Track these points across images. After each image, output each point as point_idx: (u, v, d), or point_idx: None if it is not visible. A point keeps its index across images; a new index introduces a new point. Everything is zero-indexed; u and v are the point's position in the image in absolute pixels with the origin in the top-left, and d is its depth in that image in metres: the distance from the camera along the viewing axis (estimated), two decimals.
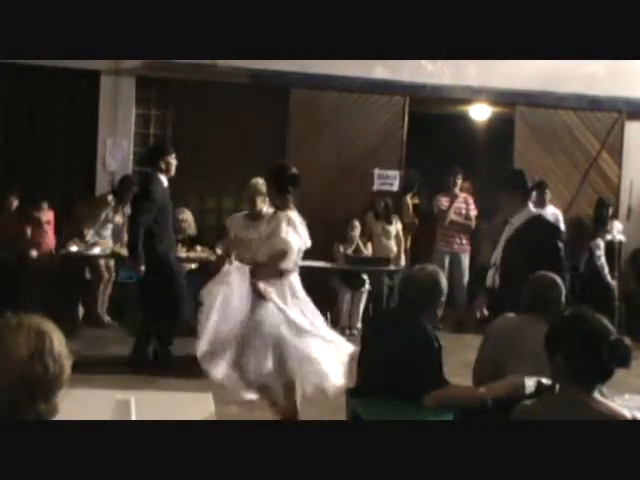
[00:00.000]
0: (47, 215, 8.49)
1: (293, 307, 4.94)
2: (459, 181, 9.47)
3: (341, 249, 8.93)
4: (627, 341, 2.53)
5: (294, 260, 5.01)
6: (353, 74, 9.18)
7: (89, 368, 5.92)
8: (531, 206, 5.26)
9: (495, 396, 3.38)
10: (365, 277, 8.90)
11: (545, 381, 2.92)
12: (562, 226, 9.21)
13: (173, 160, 6.62)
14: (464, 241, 9.43)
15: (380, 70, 9.35)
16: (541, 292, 3.87)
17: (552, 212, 9.17)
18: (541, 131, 9.77)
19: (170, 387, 5.75)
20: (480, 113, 10.60)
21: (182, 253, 8.06)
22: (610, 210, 9.44)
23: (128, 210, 8.39)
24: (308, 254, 8.17)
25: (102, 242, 8.40)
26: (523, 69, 9.11)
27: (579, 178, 9.83)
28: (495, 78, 9.44)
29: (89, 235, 8.36)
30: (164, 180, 6.58)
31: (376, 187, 9.51)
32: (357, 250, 9.06)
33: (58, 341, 2.00)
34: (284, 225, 4.88)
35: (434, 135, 10.60)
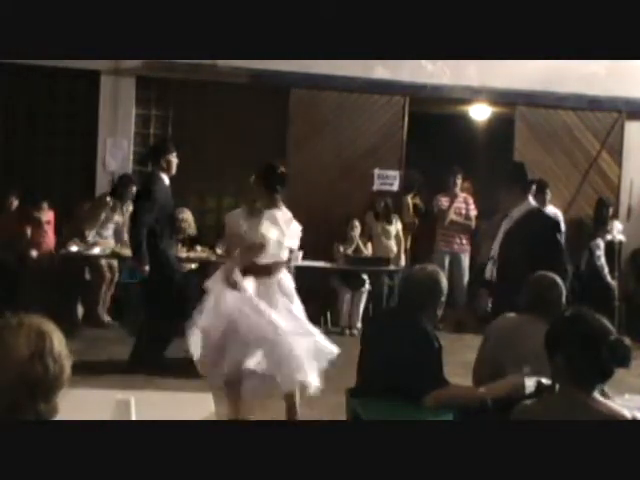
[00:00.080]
0: (47, 215, 8.50)
1: (280, 305, 4.93)
2: (459, 181, 9.47)
3: (341, 249, 8.93)
4: (627, 341, 2.53)
5: (275, 255, 4.99)
6: (353, 74, 9.19)
7: (89, 368, 5.93)
8: (531, 199, 5.26)
9: (495, 396, 3.38)
10: (365, 277, 8.90)
11: (545, 381, 2.92)
12: (562, 226, 9.24)
13: (174, 159, 6.61)
14: (464, 241, 9.43)
15: (380, 70, 9.35)
16: (541, 292, 3.87)
17: (552, 212, 9.17)
18: (541, 131, 9.77)
19: (170, 387, 5.74)
20: (480, 113, 10.60)
21: (182, 253, 8.06)
22: (610, 210, 9.43)
23: (127, 209, 8.42)
24: (308, 254, 8.28)
25: (103, 242, 8.40)
26: (523, 69, 9.12)
27: (579, 178, 9.83)
28: (495, 78, 9.44)
29: (90, 236, 8.35)
30: (166, 179, 6.58)
31: (376, 187, 9.51)
32: (357, 250, 9.06)
33: (58, 341, 2.00)
34: (265, 221, 4.92)
35: (434, 135, 10.60)
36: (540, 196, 9.03)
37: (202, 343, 4.95)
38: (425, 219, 10.01)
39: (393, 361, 3.58)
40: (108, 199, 8.50)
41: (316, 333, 5.07)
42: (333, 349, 5.08)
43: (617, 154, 9.88)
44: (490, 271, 5.24)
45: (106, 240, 8.46)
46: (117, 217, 8.53)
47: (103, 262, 8.30)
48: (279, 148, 9.31)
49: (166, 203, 6.59)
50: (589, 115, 9.80)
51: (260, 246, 4.93)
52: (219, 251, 7.96)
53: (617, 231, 9.50)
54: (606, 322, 2.59)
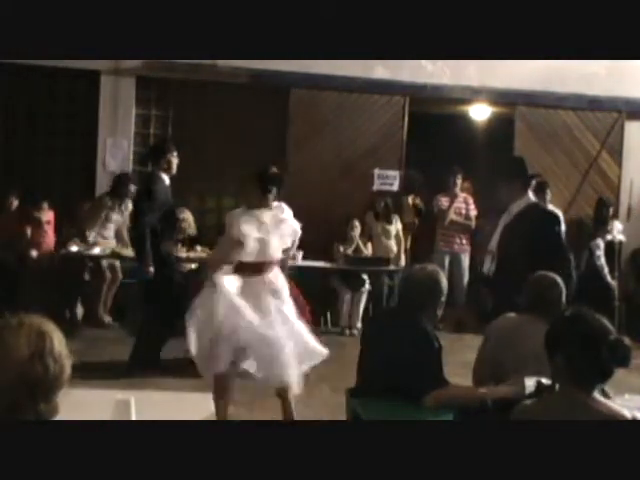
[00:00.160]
0: (47, 215, 8.50)
1: (267, 305, 4.93)
2: (459, 181, 9.47)
3: (341, 249, 8.93)
4: (627, 341, 2.54)
5: (264, 254, 4.99)
6: (353, 74, 9.19)
7: (89, 368, 5.93)
8: (530, 194, 5.25)
9: (495, 397, 3.38)
10: (365, 277, 8.90)
11: (545, 381, 2.92)
12: (562, 226, 9.23)
13: (174, 158, 6.61)
14: (464, 241, 9.43)
15: (380, 70, 9.35)
16: (541, 292, 3.87)
17: None
18: (541, 131, 9.77)
19: (170, 387, 5.75)
20: (480, 113, 10.60)
21: (182, 253, 8.07)
22: (610, 210, 9.43)
23: (126, 207, 8.42)
24: (308, 254, 8.28)
25: (105, 243, 8.40)
26: (523, 69, 9.12)
27: (579, 178, 9.83)
28: (495, 78, 9.44)
29: (91, 236, 8.35)
30: (166, 179, 6.58)
31: (376, 187, 9.52)
32: (357, 250, 9.06)
33: (58, 341, 2.00)
34: (247, 219, 4.98)
35: (434, 135, 10.60)
36: (540, 196, 9.04)
37: (196, 344, 4.95)
38: (425, 219, 10.01)
39: (393, 361, 3.58)
40: (107, 199, 8.50)
41: (305, 334, 5.05)
42: (322, 351, 5.06)
43: (617, 154, 9.88)
44: (488, 266, 5.24)
45: (108, 240, 8.46)
46: (117, 216, 8.53)
47: (104, 262, 8.30)
48: (279, 148, 9.32)
49: (167, 203, 6.59)
50: (589, 115, 9.80)
51: (237, 243, 4.95)
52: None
53: (617, 231, 9.50)
54: (606, 322, 2.59)
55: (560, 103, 9.67)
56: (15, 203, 8.56)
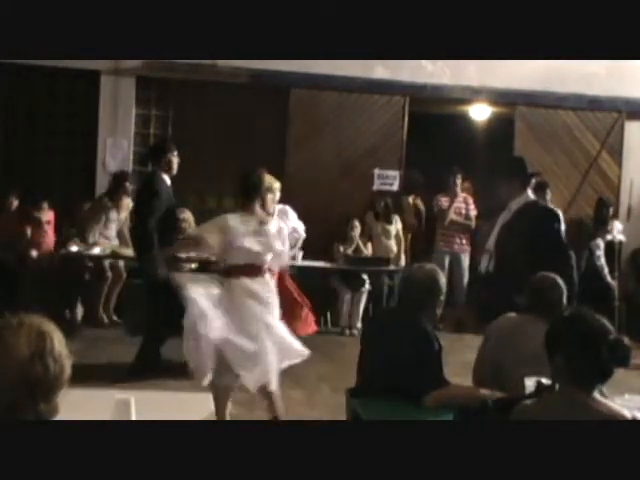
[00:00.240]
0: (47, 215, 8.49)
1: (245, 308, 4.91)
2: (459, 181, 9.47)
3: (341, 249, 8.93)
4: (626, 341, 2.54)
5: (247, 257, 5.00)
6: (353, 74, 9.19)
7: (89, 368, 5.93)
8: (530, 192, 5.25)
9: (495, 397, 3.38)
10: (365, 277, 8.90)
11: (545, 381, 2.92)
12: (562, 226, 9.23)
13: (175, 158, 6.60)
14: (464, 241, 9.44)
15: (380, 70, 9.35)
16: (542, 292, 3.87)
17: None
18: (541, 131, 9.77)
19: (170, 387, 5.75)
20: (480, 113, 10.60)
21: (182, 253, 8.05)
22: (610, 210, 9.44)
23: (125, 204, 8.41)
24: (308, 254, 8.28)
25: (107, 242, 8.39)
26: (523, 69, 9.12)
27: (579, 178, 9.83)
28: (495, 78, 9.44)
29: (92, 237, 8.35)
30: (167, 179, 6.58)
31: (376, 187, 9.52)
32: (357, 250, 9.06)
33: (58, 341, 2.00)
34: (215, 221, 5.05)
35: (434, 135, 10.59)
36: (540, 196, 9.04)
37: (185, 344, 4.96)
38: (425, 221, 10.01)
39: (393, 361, 3.58)
40: (105, 200, 8.50)
41: (285, 334, 5.02)
42: (303, 351, 5.04)
43: (617, 154, 9.88)
44: (485, 264, 5.24)
45: (110, 240, 8.46)
46: (114, 215, 8.52)
47: (106, 262, 8.30)
48: (279, 148, 9.32)
49: (168, 203, 6.59)
50: (589, 115, 9.80)
51: (193, 242, 5.14)
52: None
53: (617, 231, 9.50)
54: (606, 322, 2.59)
55: (560, 103, 9.67)
56: (15, 203, 8.56)
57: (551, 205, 9.12)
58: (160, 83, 9.21)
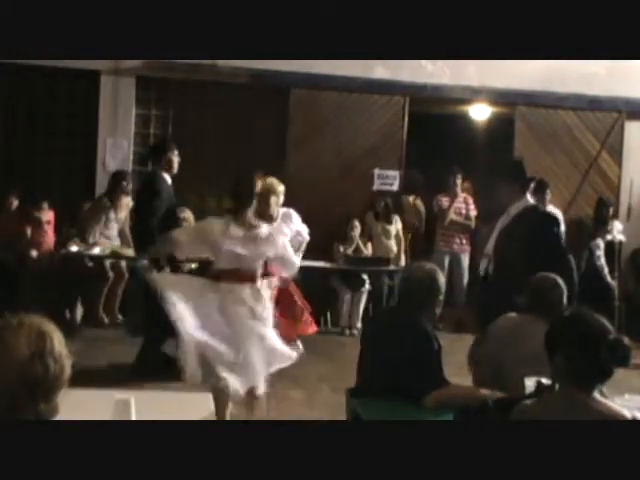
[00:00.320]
0: (47, 215, 8.49)
1: (238, 317, 4.91)
2: (459, 181, 9.47)
3: (341, 249, 8.93)
4: (626, 340, 2.54)
5: (236, 263, 5.00)
6: (353, 74, 9.18)
7: (89, 368, 5.93)
8: (529, 197, 5.25)
9: (495, 397, 3.38)
10: (365, 277, 8.90)
11: (545, 381, 2.92)
12: (562, 226, 9.22)
13: (175, 157, 6.59)
14: (464, 241, 9.43)
15: (380, 70, 9.35)
16: (542, 293, 3.87)
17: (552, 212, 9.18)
18: (541, 131, 9.77)
19: (170, 387, 5.75)
20: (480, 113, 10.60)
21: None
22: (610, 210, 9.43)
23: (123, 204, 8.41)
24: (308, 254, 8.27)
25: (108, 242, 8.39)
26: (523, 69, 9.11)
27: (579, 178, 9.83)
28: (495, 78, 9.44)
29: (92, 237, 8.35)
30: (168, 178, 6.57)
31: (376, 187, 9.51)
32: (357, 250, 9.06)
33: (58, 341, 2.00)
34: (192, 227, 5.12)
35: (434, 135, 10.60)
36: (540, 196, 9.05)
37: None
38: (426, 221, 10.01)
39: (393, 361, 3.58)
40: (105, 201, 8.50)
41: (274, 338, 5.00)
42: (291, 354, 5.03)
43: (617, 154, 9.88)
44: (483, 268, 5.24)
45: (111, 240, 8.45)
46: (118, 215, 8.52)
47: (107, 262, 8.29)
48: (279, 148, 9.32)
49: (169, 203, 6.59)
50: (589, 115, 9.80)
51: (168, 243, 5.18)
52: None
53: (617, 231, 9.50)
54: (606, 322, 2.60)
55: (560, 103, 9.67)
56: (15, 203, 8.55)
57: (551, 206, 9.18)
58: (160, 83, 9.21)
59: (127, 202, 8.44)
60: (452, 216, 9.35)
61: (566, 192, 9.80)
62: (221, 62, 8.82)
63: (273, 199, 6.30)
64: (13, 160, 9.16)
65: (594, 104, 9.67)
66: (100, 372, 6.16)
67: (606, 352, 2.49)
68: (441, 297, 3.80)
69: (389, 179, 9.56)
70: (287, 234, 6.58)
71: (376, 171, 9.52)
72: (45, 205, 8.46)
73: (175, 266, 6.98)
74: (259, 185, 5.24)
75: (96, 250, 8.20)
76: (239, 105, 9.19)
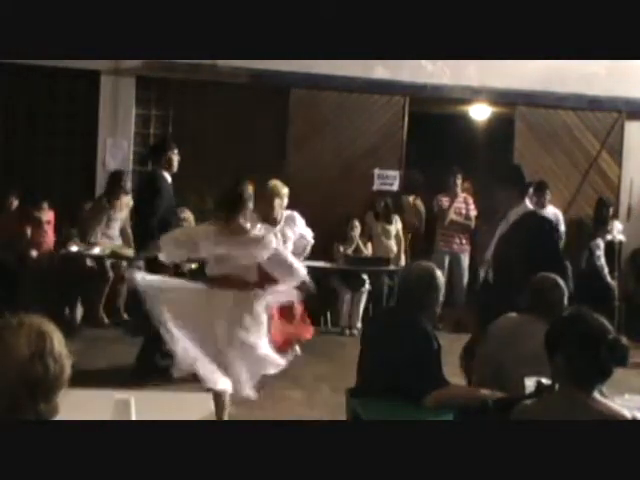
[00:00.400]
0: (47, 215, 8.49)
1: (220, 324, 4.91)
2: (459, 181, 9.47)
3: (341, 249, 8.93)
4: (624, 340, 2.54)
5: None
6: (353, 74, 9.18)
7: (89, 368, 5.93)
8: (527, 202, 5.25)
9: (496, 397, 3.38)
10: (365, 277, 8.90)
11: (545, 381, 2.92)
12: (562, 226, 9.24)
13: (175, 156, 6.59)
14: (464, 241, 9.44)
15: (380, 70, 9.35)
16: (543, 293, 3.87)
17: (552, 212, 9.18)
18: (541, 131, 9.77)
19: (170, 387, 5.74)
20: (480, 113, 10.60)
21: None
22: (610, 210, 9.44)
23: (122, 203, 8.41)
24: (308, 254, 8.26)
25: (110, 242, 8.39)
26: (523, 69, 9.11)
27: (579, 178, 9.83)
28: (495, 78, 9.44)
29: (94, 237, 8.35)
30: (168, 177, 6.57)
31: (376, 187, 9.51)
32: (357, 250, 9.06)
33: (58, 341, 2.00)
34: (177, 232, 5.24)
35: (434, 135, 10.59)
36: (540, 196, 9.06)
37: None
38: (426, 221, 10.01)
39: (393, 361, 3.59)
40: (104, 201, 8.49)
41: (258, 348, 4.97)
42: (280, 362, 5.01)
43: (617, 154, 9.88)
44: (483, 276, 5.25)
45: (113, 240, 8.45)
46: (119, 215, 8.52)
47: (108, 262, 8.29)
48: (279, 148, 9.32)
49: (169, 202, 6.59)
50: (589, 115, 9.80)
51: (155, 247, 5.24)
52: None
53: (617, 231, 9.50)
54: (605, 322, 2.60)
55: (560, 103, 9.67)
56: (15, 203, 8.56)
57: (551, 207, 9.20)
58: (160, 83, 9.21)
59: (127, 201, 8.44)
60: (452, 216, 9.35)
61: (566, 192, 9.80)
62: (221, 62, 8.82)
63: (277, 202, 6.28)
64: (13, 160, 9.16)
65: (594, 104, 9.67)
66: (100, 372, 6.16)
67: (605, 352, 2.49)
68: (440, 296, 3.80)
69: (389, 179, 9.56)
70: (291, 237, 6.57)
71: (376, 171, 9.52)
72: (45, 205, 8.46)
73: (161, 267, 6.90)
74: (250, 189, 5.18)
75: (96, 250, 8.20)
76: (239, 105, 9.19)
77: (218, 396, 4.92)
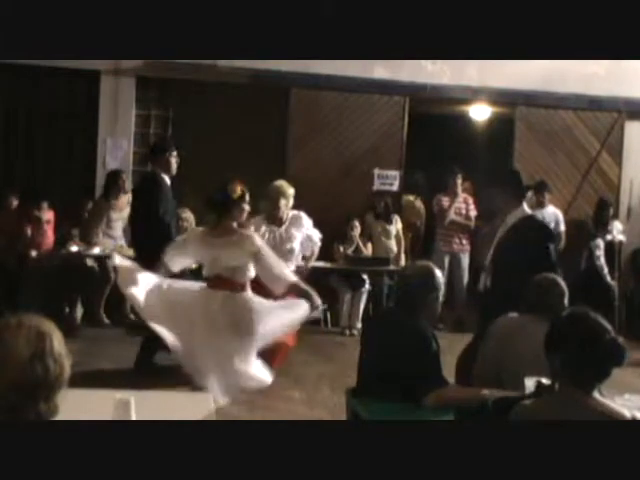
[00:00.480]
0: (47, 215, 8.49)
1: (204, 325, 4.93)
2: (459, 181, 9.47)
3: (341, 249, 8.92)
4: (620, 340, 2.55)
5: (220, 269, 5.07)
6: (353, 74, 9.18)
7: (89, 368, 5.93)
8: (525, 206, 5.26)
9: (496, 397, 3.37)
10: (365, 277, 8.90)
11: (545, 381, 2.92)
12: (562, 226, 9.25)
13: (174, 158, 6.59)
14: (464, 241, 9.43)
15: (380, 70, 9.35)
16: (542, 293, 3.87)
17: (552, 212, 9.20)
18: (541, 131, 9.77)
19: (170, 387, 5.74)
20: (480, 113, 10.60)
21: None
22: (610, 210, 9.44)
23: (122, 202, 8.40)
24: None
25: (111, 242, 8.38)
26: (523, 69, 9.11)
27: (579, 178, 9.83)
28: (495, 78, 9.44)
29: (97, 238, 8.34)
30: (167, 179, 6.57)
31: (376, 187, 9.51)
32: (357, 250, 9.06)
33: (58, 341, 2.00)
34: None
35: (434, 135, 10.59)
36: (540, 197, 9.06)
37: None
38: (426, 221, 10.01)
39: (393, 361, 3.58)
40: (103, 201, 8.49)
41: (241, 360, 4.93)
42: (265, 380, 4.97)
43: (617, 154, 9.88)
44: (483, 282, 5.25)
45: (115, 240, 8.44)
46: (117, 214, 8.52)
47: (108, 262, 8.28)
48: (279, 148, 9.32)
49: (169, 204, 6.58)
50: (589, 115, 9.80)
51: (161, 267, 5.27)
52: None
53: (617, 231, 9.50)
54: (605, 322, 2.60)
55: (560, 103, 9.67)
56: (15, 203, 8.55)
57: (551, 207, 9.20)
58: (160, 83, 9.21)
59: (127, 200, 8.43)
60: (452, 216, 9.34)
61: (566, 192, 9.80)
62: (221, 62, 8.82)
63: (282, 202, 6.27)
64: (13, 160, 9.16)
65: (594, 104, 9.67)
66: (100, 372, 6.16)
67: (603, 352, 2.50)
68: (440, 295, 3.79)
69: (389, 179, 9.56)
70: (298, 236, 6.54)
71: (376, 171, 9.52)
72: (45, 205, 8.46)
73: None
74: (239, 190, 5.16)
75: (96, 250, 8.20)
76: (239, 105, 9.19)
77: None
